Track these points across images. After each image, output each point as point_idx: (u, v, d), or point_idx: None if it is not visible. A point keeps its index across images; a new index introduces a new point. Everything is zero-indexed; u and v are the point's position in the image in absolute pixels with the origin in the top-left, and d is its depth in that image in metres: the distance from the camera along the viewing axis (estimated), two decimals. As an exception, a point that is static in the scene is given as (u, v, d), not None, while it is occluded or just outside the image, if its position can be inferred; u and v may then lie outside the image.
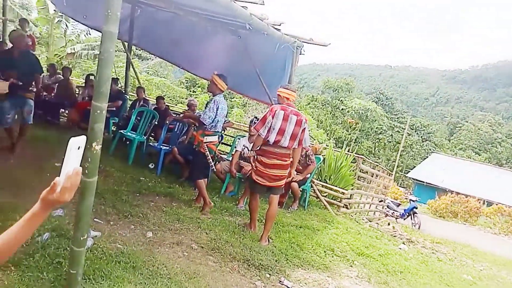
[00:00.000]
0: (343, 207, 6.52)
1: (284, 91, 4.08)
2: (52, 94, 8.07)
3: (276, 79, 5.56)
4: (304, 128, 4.02)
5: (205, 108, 4.45)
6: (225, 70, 5.80)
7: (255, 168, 4.11)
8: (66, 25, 16.61)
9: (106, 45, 2.17)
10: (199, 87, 21.61)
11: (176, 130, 6.65)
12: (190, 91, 20.97)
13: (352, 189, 7.25)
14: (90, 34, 17.63)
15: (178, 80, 24.55)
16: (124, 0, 7.13)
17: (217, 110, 4.42)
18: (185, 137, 6.47)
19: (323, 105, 33.01)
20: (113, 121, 7.38)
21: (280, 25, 5.08)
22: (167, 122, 6.35)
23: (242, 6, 4.00)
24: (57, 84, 8.36)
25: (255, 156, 4.14)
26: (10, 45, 5.12)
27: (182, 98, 20.46)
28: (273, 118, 3.93)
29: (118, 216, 3.79)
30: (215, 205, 4.96)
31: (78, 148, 1.02)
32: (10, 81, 4.53)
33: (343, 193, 6.54)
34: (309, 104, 32.15)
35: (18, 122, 4.80)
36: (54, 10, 14.49)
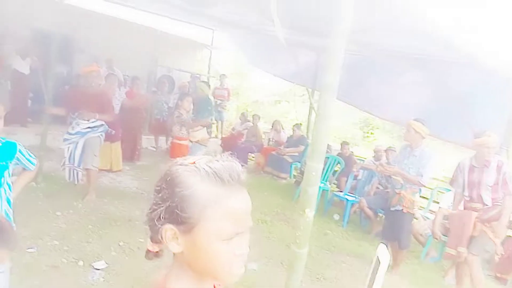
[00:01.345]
0: None
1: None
2: (242, 139, 8.86)
3: (490, 118, 4.52)
4: None
5: (420, 161, 3.70)
6: (415, 111, 5.13)
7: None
8: (252, 76, 18.81)
9: (324, 97, 1.91)
10: (374, 128, 20.54)
11: (361, 178, 6.11)
12: (364, 132, 20.15)
13: None
14: (271, 83, 19.43)
15: (350, 121, 24.04)
16: (308, 48, 7.37)
17: None
18: (370, 186, 5.87)
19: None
20: (294, 166, 7.44)
21: (498, 54, 4.10)
22: (354, 170, 5.89)
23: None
24: (246, 130, 9.18)
25: None
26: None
27: (355, 139, 19.77)
28: None
29: (311, 278, 3.46)
30: (415, 273, 4.13)
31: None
32: None
33: None
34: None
35: None
36: (246, 65, 16.57)
